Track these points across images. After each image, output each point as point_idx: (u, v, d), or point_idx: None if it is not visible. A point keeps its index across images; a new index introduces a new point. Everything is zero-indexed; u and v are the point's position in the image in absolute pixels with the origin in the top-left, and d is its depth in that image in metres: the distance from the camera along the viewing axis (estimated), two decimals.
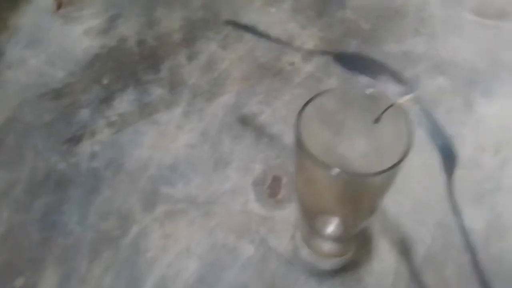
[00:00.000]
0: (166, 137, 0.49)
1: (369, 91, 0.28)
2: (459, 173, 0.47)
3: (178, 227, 0.43)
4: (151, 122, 0.50)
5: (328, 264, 0.40)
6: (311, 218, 0.35)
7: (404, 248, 0.42)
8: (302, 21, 0.62)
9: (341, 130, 0.31)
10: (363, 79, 0.27)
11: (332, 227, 0.34)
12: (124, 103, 0.52)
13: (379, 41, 0.59)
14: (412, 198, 0.45)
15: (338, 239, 0.37)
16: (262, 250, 0.41)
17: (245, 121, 0.51)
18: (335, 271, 0.40)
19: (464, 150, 0.49)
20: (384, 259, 0.41)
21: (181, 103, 0.52)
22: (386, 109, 0.27)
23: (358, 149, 0.32)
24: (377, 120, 0.28)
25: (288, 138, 0.48)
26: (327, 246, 0.39)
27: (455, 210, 0.44)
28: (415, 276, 0.40)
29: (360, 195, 0.29)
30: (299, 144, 0.26)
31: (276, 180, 0.46)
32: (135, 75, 0.55)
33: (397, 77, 0.28)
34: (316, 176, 0.27)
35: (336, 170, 0.25)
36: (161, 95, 0.53)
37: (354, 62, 0.30)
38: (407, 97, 0.27)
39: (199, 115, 0.51)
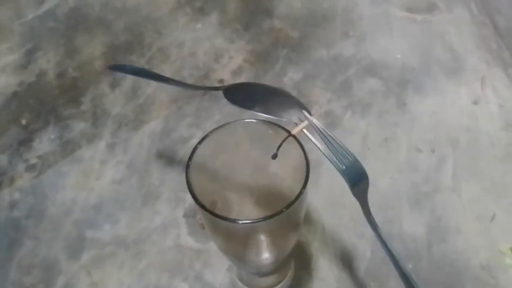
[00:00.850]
0: (90, 175, 0.46)
1: (264, 123, 0.26)
2: (396, 176, 0.46)
3: (107, 273, 0.40)
4: (74, 161, 0.47)
5: None
6: (235, 258, 0.33)
7: (345, 265, 0.40)
8: (229, 35, 0.60)
9: (238, 169, 0.29)
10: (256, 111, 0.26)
11: (258, 260, 0.32)
12: (44, 143, 0.49)
13: (308, 48, 0.58)
14: (350, 210, 0.43)
15: (270, 268, 0.35)
16: (198, 287, 0.39)
17: (174, 148, 0.48)
18: None
19: (399, 152, 0.48)
20: (325, 278, 0.39)
21: (105, 136, 0.49)
22: (281, 144, 0.25)
23: (257, 186, 0.30)
24: (274, 156, 0.26)
25: None
26: (262, 278, 0.36)
27: (394, 219, 0.43)
28: None
29: (271, 232, 0.27)
30: (192, 194, 0.24)
31: (212, 206, 0.44)
32: (55, 111, 0.51)
33: (296, 104, 0.26)
34: (219, 225, 0.25)
35: (234, 225, 0.23)
36: (83, 129, 0.50)
37: (244, 95, 0.28)
38: (302, 125, 0.26)
39: (124, 147, 0.48)
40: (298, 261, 0.40)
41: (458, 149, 0.48)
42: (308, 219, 0.42)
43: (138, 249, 0.41)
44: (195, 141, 0.48)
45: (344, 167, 0.25)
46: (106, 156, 0.47)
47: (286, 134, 0.25)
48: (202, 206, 0.23)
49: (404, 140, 0.49)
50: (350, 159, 0.26)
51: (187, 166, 0.25)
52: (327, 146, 0.26)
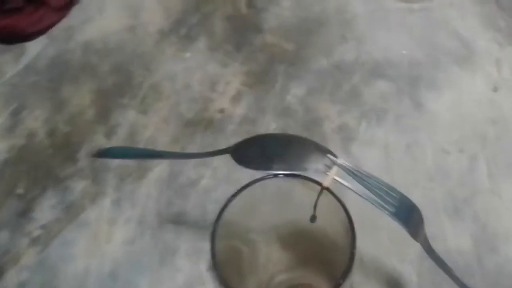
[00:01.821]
0: (100, 239, 0.42)
1: (290, 178, 0.23)
2: (428, 185, 0.42)
3: None
4: (80, 225, 0.43)
5: None
6: None
7: None
8: (221, 59, 0.56)
9: (271, 236, 0.26)
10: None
11: None
12: (45, 211, 0.45)
13: (307, 59, 0.54)
14: (388, 231, 0.40)
15: None
16: None
17: (185, 193, 0.45)
18: None
19: (425, 157, 0.44)
20: None
21: (108, 192, 0.45)
22: (316, 201, 0.22)
23: (297, 256, 0.26)
24: (313, 219, 0.22)
25: None
26: None
27: (435, 234, 0.39)
28: None
29: None
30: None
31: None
32: (52, 173, 0.48)
33: (317, 149, 0.23)
34: None
35: None
36: (84, 188, 0.46)
37: (256, 152, 0.24)
38: (332, 173, 0.22)
39: (131, 201, 0.44)
40: None
41: (488, 144, 0.44)
42: None
43: None
44: (205, 181, 0.45)
45: (393, 209, 0.22)
46: (113, 214, 0.44)
47: (317, 188, 0.22)
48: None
49: (428, 143, 0.45)
50: (396, 196, 0.22)
51: (213, 234, 0.21)
52: (367, 189, 0.22)
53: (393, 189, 0.22)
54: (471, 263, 0.38)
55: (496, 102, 0.47)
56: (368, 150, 0.46)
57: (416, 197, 0.41)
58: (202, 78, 0.54)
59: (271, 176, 0.23)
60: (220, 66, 0.55)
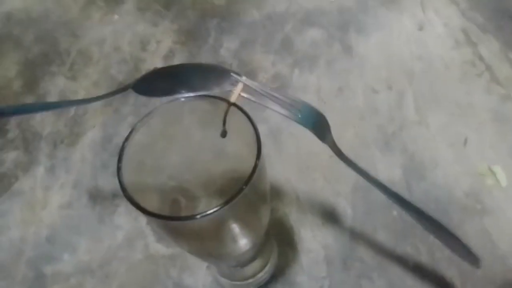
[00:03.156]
0: (35, 207, 0.42)
1: (199, 98, 0.23)
2: (359, 124, 0.43)
3: None
4: (13, 195, 0.43)
5: (255, 281, 0.35)
6: (209, 256, 0.30)
7: (328, 229, 0.38)
8: (151, 19, 0.55)
9: (189, 156, 0.26)
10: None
11: (235, 251, 0.30)
12: None
13: (238, 13, 0.54)
14: (321, 170, 0.41)
15: (250, 255, 0.32)
16: None
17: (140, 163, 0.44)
18: (265, 286, 0.35)
19: (356, 98, 0.46)
20: (311, 249, 0.37)
21: (41, 160, 0.44)
22: (225, 117, 0.22)
23: (218, 171, 0.27)
24: (223, 134, 0.23)
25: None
26: (243, 268, 0.34)
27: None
28: (348, 256, 0.36)
29: (238, 216, 0.24)
30: (129, 199, 0.20)
31: (175, 206, 0.41)
32: None
33: (222, 72, 0.23)
34: (178, 228, 0.22)
35: (194, 221, 0.19)
36: (16, 159, 0.45)
37: (161, 83, 0.24)
38: (237, 89, 0.22)
39: (65, 167, 0.44)
40: (280, 238, 0.37)
41: (415, 80, 0.46)
42: (280, 192, 0.40)
43: (106, 272, 0.38)
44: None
45: (299, 115, 0.22)
46: (48, 181, 0.43)
47: (226, 106, 0.22)
48: (143, 210, 0.20)
49: (358, 84, 0.47)
50: (301, 106, 0.23)
51: (118, 169, 0.21)
52: (273, 101, 0.23)
53: (297, 100, 0.23)
54: (402, 191, 0.40)
55: (421, 40, 0.49)
56: (302, 96, 0.47)
57: (347, 135, 0.43)
58: (132, 39, 0.53)
59: (178, 99, 0.23)
60: (150, 25, 0.55)
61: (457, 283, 0.34)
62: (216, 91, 0.23)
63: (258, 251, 0.33)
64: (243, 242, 0.28)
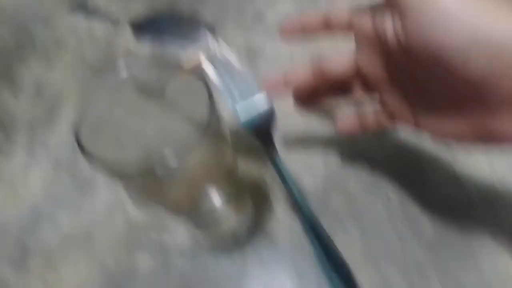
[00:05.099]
0: (17, 190, 0.44)
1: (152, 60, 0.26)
2: None
3: (63, 274, 0.39)
4: None
5: (232, 235, 0.38)
6: (180, 212, 0.32)
7: (301, 184, 0.40)
8: (123, 2, 0.58)
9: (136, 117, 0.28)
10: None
11: (206, 205, 0.32)
12: None
13: None
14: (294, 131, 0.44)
15: (222, 209, 0.34)
16: (161, 256, 0.38)
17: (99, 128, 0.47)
18: (243, 238, 0.38)
19: None
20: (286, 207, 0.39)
21: (21, 144, 0.47)
22: (168, 79, 0.25)
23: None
24: (162, 93, 0.25)
25: None
26: (220, 221, 0.36)
27: None
28: (322, 208, 0.38)
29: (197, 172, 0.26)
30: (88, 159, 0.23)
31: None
32: None
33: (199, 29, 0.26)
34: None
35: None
36: None
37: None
38: (197, 58, 0.25)
39: (45, 148, 0.46)
40: (256, 196, 0.40)
41: None
42: (253, 152, 0.42)
43: (89, 241, 0.40)
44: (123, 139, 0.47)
45: (236, 103, 0.25)
46: (29, 164, 0.46)
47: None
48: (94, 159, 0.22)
49: (331, 52, 0.49)
50: (252, 95, 0.25)
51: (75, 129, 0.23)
52: (228, 76, 0.26)
53: (254, 89, 0.25)
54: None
55: None
56: (274, 64, 0.50)
57: None
58: (105, 24, 0.56)
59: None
60: (122, 6, 0.57)
61: (428, 227, 0.36)
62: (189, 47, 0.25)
63: (231, 203, 0.35)
64: (211, 189, 0.30)
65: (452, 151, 0.40)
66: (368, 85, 0.31)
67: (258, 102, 0.26)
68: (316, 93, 0.34)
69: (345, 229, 0.37)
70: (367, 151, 0.41)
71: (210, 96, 0.23)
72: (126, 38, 0.54)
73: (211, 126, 0.22)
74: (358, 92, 0.32)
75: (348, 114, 0.35)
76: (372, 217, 0.37)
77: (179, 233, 0.39)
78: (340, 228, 0.37)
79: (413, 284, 0.34)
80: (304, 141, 0.43)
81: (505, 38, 0.20)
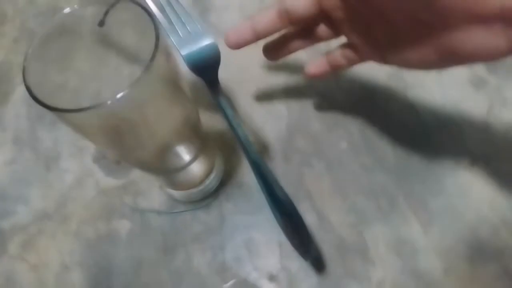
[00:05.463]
0: None
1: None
2: None
3: (42, 250, 0.39)
4: None
5: (205, 188, 0.39)
6: (150, 171, 0.33)
7: (266, 133, 0.41)
8: None
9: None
10: None
11: (176, 162, 0.33)
12: None
13: None
14: (254, 83, 0.44)
15: (193, 164, 0.35)
16: (139, 218, 0.39)
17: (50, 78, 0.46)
18: (217, 191, 0.39)
19: None
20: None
21: None
22: (108, 10, 0.24)
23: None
24: (101, 23, 0.25)
25: None
26: (192, 176, 0.37)
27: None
28: (288, 149, 0.40)
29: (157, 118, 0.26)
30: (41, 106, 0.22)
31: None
32: None
33: None
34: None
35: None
36: None
37: None
38: None
39: (1, 125, 0.45)
40: (224, 147, 0.41)
41: None
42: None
43: (63, 214, 0.40)
44: (73, 84, 0.46)
45: (178, 37, 0.25)
46: None
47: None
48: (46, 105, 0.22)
49: None
50: (193, 27, 0.25)
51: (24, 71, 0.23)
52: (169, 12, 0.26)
53: (197, 26, 0.25)
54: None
55: None
56: (225, 15, 0.49)
57: None
58: None
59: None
60: None
61: (391, 156, 0.39)
62: None
63: (200, 157, 0.36)
64: (175, 147, 0.31)
65: (405, 82, 0.42)
66: (333, 26, 0.32)
67: (201, 37, 0.26)
68: (285, 41, 0.34)
69: (311, 166, 0.39)
70: (326, 92, 0.43)
71: (156, 27, 0.23)
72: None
73: (160, 65, 0.22)
74: (324, 34, 0.33)
75: (316, 59, 0.35)
76: (336, 152, 0.39)
77: (154, 194, 0.40)
78: (307, 166, 0.39)
79: (382, 208, 0.36)
80: (266, 91, 0.44)
81: None
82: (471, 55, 0.24)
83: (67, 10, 0.25)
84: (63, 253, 0.39)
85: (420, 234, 0.35)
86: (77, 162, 0.42)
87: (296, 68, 0.44)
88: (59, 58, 0.26)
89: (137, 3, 0.24)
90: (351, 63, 0.33)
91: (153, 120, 0.26)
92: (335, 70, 0.34)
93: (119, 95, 0.20)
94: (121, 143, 0.28)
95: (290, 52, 0.35)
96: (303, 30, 0.33)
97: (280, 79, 0.44)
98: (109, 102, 0.20)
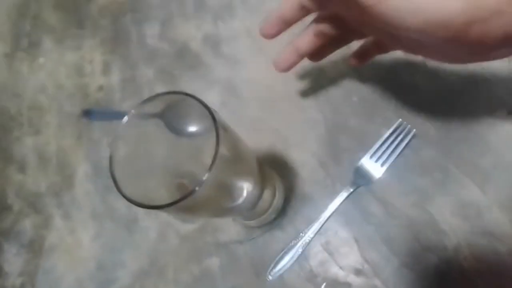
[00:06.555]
0: (73, 254, 0.49)
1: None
2: None
3: None
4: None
5: (273, 210, 0.43)
6: (223, 214, 0.37)
7: (310, 140, 0.45)
8: (73, 45, 0.60)
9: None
10: None
11: (246, 201, 0.37)
12: None
13: None
14: (281, 103, 0.48)
15: (257, 195, 0.39)
16: (224, 251, 0.44)
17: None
18: (284, 208, 0.43)
19: None
20: (304, 161, 0.45)
21: (55, 212, 0.51)
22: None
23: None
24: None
25: None
26: (261, 206, 0.41)
27: None
28: (334, 151, 0.44)
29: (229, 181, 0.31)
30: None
31: (182, 189, 0.48)
32: None
33: None
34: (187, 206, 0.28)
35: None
36: None
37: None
38: None
39: (76, 206, 0.51)
40: (276, 167, 0.45)
41: None
42: (260, 130, 0.47)
43: (158, 267, 0.45)
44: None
45: None
46: (70, 229, 0.50)
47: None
48: (138, 204, 0.26)
49: None
50: None
51: (113, 178, 0.28)
52: None
53: None
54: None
55: None
56: (236, 42, 0.53)
57: None
58: (68, 72, 0.59)
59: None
60: (75, 51, 0.60)
61: (429, 126, 0.42)
62: None
63: (262, 188, 0.40)
64: (245, 191, 0.35)
65: None
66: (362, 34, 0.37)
67: None
68: (324, 49, 0.40)
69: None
70: (352, 86, 0.46)
71: (215, 121, 0.27)
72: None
73: (224, 147, 0.26)
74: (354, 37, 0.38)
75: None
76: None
77: (230, 226, 0.44)
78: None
79: (438, 180, 0.39)
80: (296, 103, 0.47)
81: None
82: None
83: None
84: None
85: (479, 194, 0.38)
86: (154, 219, 0.47)
87: (320, 76, 0.47)
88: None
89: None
90: (382, 52, 0.38)
91: (222, 185, 0.30)
92: (370, 58, 0.40)
93: (202, 180, 0.24)
94: (191, 209, 0.32)
95: (329, 54, 0.41)
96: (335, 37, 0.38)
97: (307, 90, 0.48)
98: (197, 188, 0.24)
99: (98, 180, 0.51)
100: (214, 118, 0.27)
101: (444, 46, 0.27)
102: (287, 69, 0.39)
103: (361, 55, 0.40)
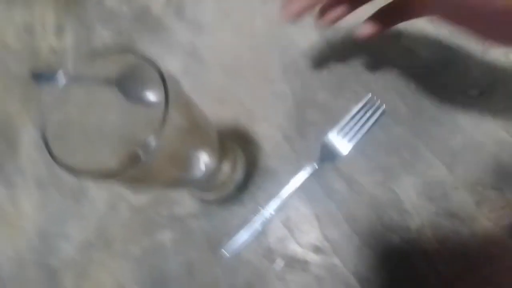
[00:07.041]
0: (12, 222, 0.46)
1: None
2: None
3: (95, 277, 0.42)
4: None
5: (232, 183, 0.41)
6: (177, 187, 0.35)
7: (277, 114, 0.43)
8: (25, 3, 0.56)
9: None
10: None
11: (202, 171, 0.34)
12: None
13: None
14: (243, 71, 0.46)
15: (215, 167, 0.37)
16: (178, 225, 0.41)
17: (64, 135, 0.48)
18: (246, 183, 0.41)
19: None
20: (268, 135, 0.43)
21: None
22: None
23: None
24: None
25: None
26: (218, 178, 0.39)
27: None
28: (300, 124, 0.42)
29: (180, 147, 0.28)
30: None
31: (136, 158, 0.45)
32: None
33: None
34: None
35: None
36: None
37: None
38: None
39: (20, 173, 0.47)
40: (239, 140, 0.43)
41: None
42: (226, 101, 0.44)
43: (106, 240, 0.43)
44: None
45: None
46: (13, 196, 0.47)
47: None
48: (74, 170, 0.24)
49: None
50: None
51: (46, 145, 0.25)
52: None
53: None
54: None
55: None
56: (201, 6, 0.50)
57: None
58: (17, 31, 0.55)
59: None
60: (25, 9, 0.56)
61: (399, 103, 0.40)
62: None
63: (220, 160, 0.38)
64: (202, 163, 0.33)
65: (397, 27, 0.43)
66: None
67: None
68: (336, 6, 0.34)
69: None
70: (323, 59, 0.44)
71: (165, 85, 0.25)
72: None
73: (174, 115, 0.24)
74: None
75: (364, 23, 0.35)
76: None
77: (186, 200, 0.42)
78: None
79: (406, 159, 0.38)
80: (265, 75, 0.45)
81: None
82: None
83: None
84: (116, 275, 0.41)
85: (447, 174, 0.37)
86: (104, 190, 0.44)
87: (289, 47, 0.45)
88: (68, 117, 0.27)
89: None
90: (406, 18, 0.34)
91: (171, 142, 0.28)
92: (388, 27, 0.35)
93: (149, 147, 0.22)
94: (143, 180, 0.30)
95: (341, 17, 0.35)
96: None
97: (276, 61, 0.46)
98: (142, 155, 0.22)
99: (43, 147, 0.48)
100: (163, 80, 0.25)
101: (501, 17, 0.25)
102: (298, 14, 0.32)
103: (380, 21, 0.34)
